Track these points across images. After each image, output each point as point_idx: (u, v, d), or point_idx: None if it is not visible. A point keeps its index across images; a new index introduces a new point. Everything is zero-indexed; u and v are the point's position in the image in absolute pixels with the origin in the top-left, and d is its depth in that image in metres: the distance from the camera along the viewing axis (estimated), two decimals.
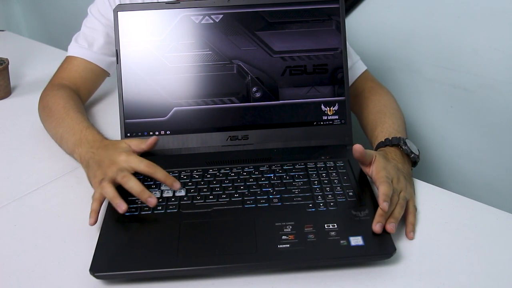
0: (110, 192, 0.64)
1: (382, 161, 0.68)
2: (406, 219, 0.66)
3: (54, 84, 0.91)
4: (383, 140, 0.76)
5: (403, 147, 0.74)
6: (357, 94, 0.91)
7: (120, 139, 0.77)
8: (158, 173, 0.67)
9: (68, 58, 0.95)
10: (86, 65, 0.93)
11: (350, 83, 0.91)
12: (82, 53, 0.93)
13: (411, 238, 0.64)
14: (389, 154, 0.73)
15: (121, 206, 0.63)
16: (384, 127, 0.80)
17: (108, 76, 0.99)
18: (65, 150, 0.80)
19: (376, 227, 0.61)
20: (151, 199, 0.64)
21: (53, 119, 0.83)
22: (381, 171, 0.66)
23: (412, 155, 0.74)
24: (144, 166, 0.67)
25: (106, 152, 0.70)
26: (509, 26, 0.95)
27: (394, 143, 0.74)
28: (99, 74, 0.96)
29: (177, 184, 0.66)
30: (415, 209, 0.68)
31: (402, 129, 0.80)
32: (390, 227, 0.61)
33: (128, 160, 0.67)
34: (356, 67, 0.93)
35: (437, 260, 0.61)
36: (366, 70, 0.94)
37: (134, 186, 0.65)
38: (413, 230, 0.65)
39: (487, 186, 1.13)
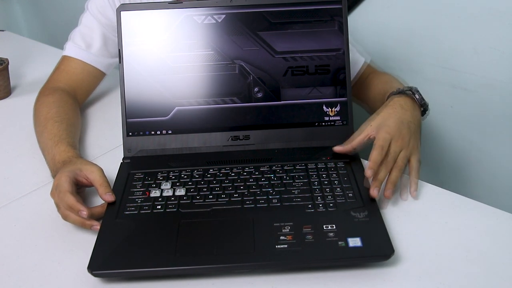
0: (75, 222, 0.65)
1: (379, 120, 0.71)
2: (410, 177, 0.70)
3: (48, 88, 0.90)
4: (395, 90, 0.77)
5: (416, 96, 0.75)
6: (362, 81, 0.93)
7: (122, 138, 0.77)
8: (100, 189, 0.67)
9: (64, 59, 0.94)
10: (84, 67, 0.92)
11: (355, 74, 0.94)
12: (80, 55, 0.92)
13: (414, 196, 0.69)
14: (398, 102, 0.74)
15: (96, 227, 0.64)
16: (394, 86, 0.81)
17: (105, 75, 0.98)
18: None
19: (374, 192, 0.65)
20: (95, 227, 0.64)
21: (37, 131, 0.83)
22: (380, 130, 0.69)
23: (423, 102, 0.76)
24: (71, 204, 0.65)
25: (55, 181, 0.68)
26: (509, 26, 0.96)
27: (407, 92, 0.76)
28: (97, 76, 0.95)
29: (109, 197, 0.66)
30: (419, 163, 0.70)
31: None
32: (387, 193, 0.67)
33: (61, 199, 0.66)
34: (361, 59, 0.94)
35: (437, 260, 0.61)
36: (371, 61, 0.96)
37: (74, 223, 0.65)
38: (416, 189, 0.69)
39: (487, 186, 1.13)
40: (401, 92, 0.77)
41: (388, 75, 0.92)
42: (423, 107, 0.77)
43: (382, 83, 0.88)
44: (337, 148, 0.73)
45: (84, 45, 0.92)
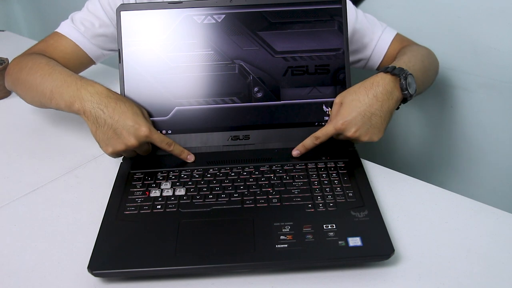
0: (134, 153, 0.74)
1: (341, 117, 0.72)
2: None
3: (31, 53, 0.85)
4: (388, 66, 0.75)
5: (402, 80, 0.72)
6: (393, 57, 0.91)
7: None
8: (175, 149, 0.74)
9: (56, 35, 0.89)
10: (74, 48, 0.88)
11: (382, 55, 0.92)
12: (75, 36, 0.87)
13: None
14: (375, 87, 0.72)
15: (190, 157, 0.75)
16: (397, 62, 0.78)
17: (94, 64, 0.94)
18: (57, 106, 0.75)
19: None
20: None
21: (36, 76, 0.78)
22: (342, 120, 0.71)
23: (405, 92, 0.73)
24: (166, 145, 0.73)
25: (122, 118, 0.69)
26: (509, 26, 0.96)
27: (395, 73, 0.73)
28: (84, 62, 0.90)
29: (191, 157, 0.75)
30: (363, 141, 0.72)
31: (417, 68, 0.78)
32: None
33: (150, 138, 0.71)
34: (383, 38, 0.92)
35: (437, 260, 0.61)
36: (397, 34, 0.93)
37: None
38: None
39: (487, 186, 1.13)
40: (390, 72, 0.73)
41: (413, 46, 0.89)
42: (405, 96, 0.74)
43: (400, 53, 0.85)
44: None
45: (83, 28, 0.88)
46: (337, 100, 0.75)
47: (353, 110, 0.71)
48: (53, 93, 0.74)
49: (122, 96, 0.74)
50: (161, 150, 0.75)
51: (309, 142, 0.74)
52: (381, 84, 0.72)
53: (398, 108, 0.76)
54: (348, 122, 0.71)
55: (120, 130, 0.69)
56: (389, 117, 0.73)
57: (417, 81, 0.76)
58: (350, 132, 0.71)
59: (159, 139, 0.72)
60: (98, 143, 0.72)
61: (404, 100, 0.75)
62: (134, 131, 0.70)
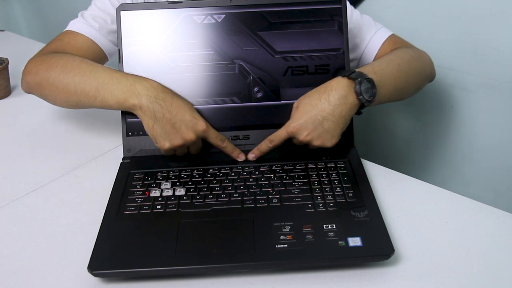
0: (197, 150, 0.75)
1: (293, 121, 0.71)
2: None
3: (51, 52, 0.82)
4: (347, 70, 0.73)
5: (356, 85, 0.70)
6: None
7: (122, 138, 0.77)
8: (228, 147, 0.74)
9: (70, 33, 0.86)
10: (91, 45, 0.86)
11: (373, 55, 0.90)
12: (90, 33, 0.86)
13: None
14: (329, 92, 0.71)
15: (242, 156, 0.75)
16: (365, 66, 0.76)
17: (107, 61, 0.92)
18: (103, 103, 0.72)
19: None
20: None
21: (73, 75, 0.74)
22: (289, 127, 0.71)
23: (360, 97, 0.70)
24: (219, 141, 0.74)
25: (180, 112, 0.70)
26: (509, 26, 0.96)
27: (351, 77, 0.71)
28: (100, 59, 0.88)
29: (242, 156, 0.75)
30: (317, 145, 0.71)
31: (388, 72, 0.75)
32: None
33: (207, 133, 0.72)
34: (375, 39, 0.90)
35: (437, 260, 0.61)
36: (392, 35, 0.90)
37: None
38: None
39: (487, 186, 1.13)
40: (347, 76, 0.71)
41: (402, 49, 0.85)
42: (360, 101, 0.71)
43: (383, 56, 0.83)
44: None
45: (97, 25, 0.86)
46: (295, 104, 0.74)
47: (305, 114, 0.70)
48: (99, 90, 0.72)
49: (174, 92, 0.73)
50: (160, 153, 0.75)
51: (263, 146, 0.74)
52: (335, 88, 0.71)
53: (360, 113, 0.74)
54: (299, 125, 0.70)
55: (178, 124, 0.69)
56: (343, 123, 0.71)
57: (387, 86, 0.74)
58: (302, 136, 0.71)
59: (215, 135, 0.73)
60: (154, 138, 0.71)
61: (361, 105, 0.72)
62: (192, 125, 0.70)
